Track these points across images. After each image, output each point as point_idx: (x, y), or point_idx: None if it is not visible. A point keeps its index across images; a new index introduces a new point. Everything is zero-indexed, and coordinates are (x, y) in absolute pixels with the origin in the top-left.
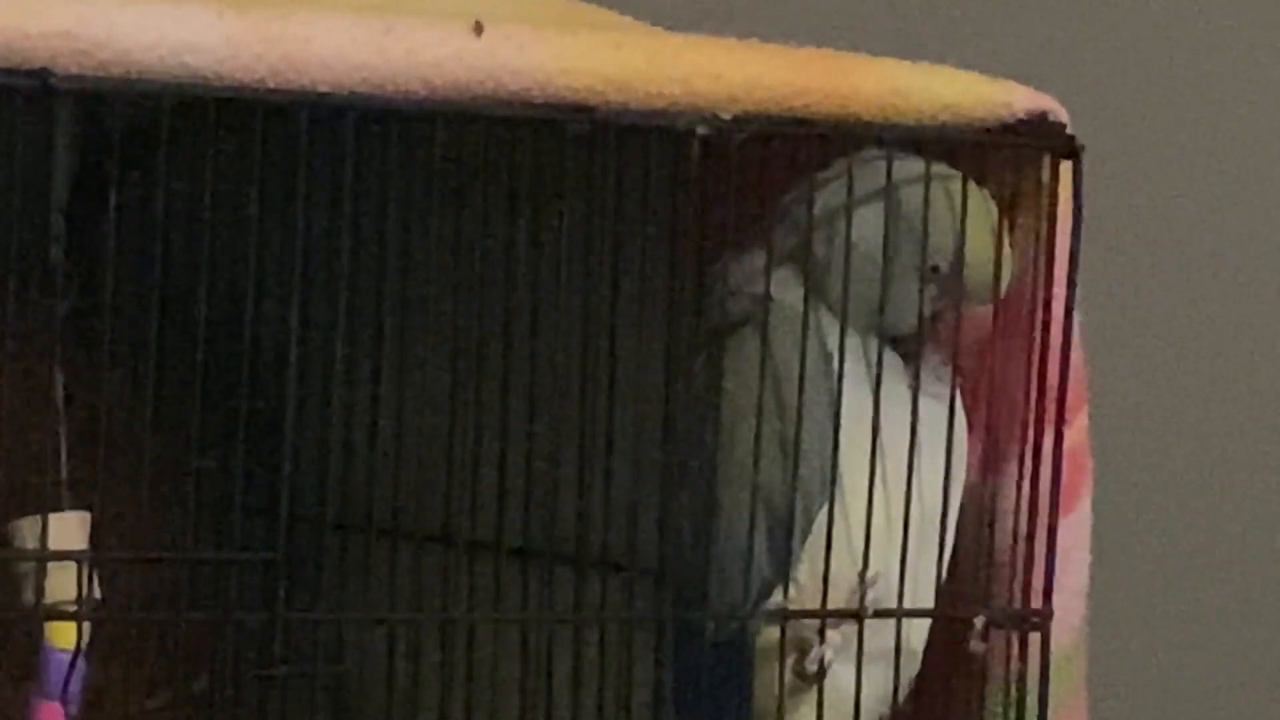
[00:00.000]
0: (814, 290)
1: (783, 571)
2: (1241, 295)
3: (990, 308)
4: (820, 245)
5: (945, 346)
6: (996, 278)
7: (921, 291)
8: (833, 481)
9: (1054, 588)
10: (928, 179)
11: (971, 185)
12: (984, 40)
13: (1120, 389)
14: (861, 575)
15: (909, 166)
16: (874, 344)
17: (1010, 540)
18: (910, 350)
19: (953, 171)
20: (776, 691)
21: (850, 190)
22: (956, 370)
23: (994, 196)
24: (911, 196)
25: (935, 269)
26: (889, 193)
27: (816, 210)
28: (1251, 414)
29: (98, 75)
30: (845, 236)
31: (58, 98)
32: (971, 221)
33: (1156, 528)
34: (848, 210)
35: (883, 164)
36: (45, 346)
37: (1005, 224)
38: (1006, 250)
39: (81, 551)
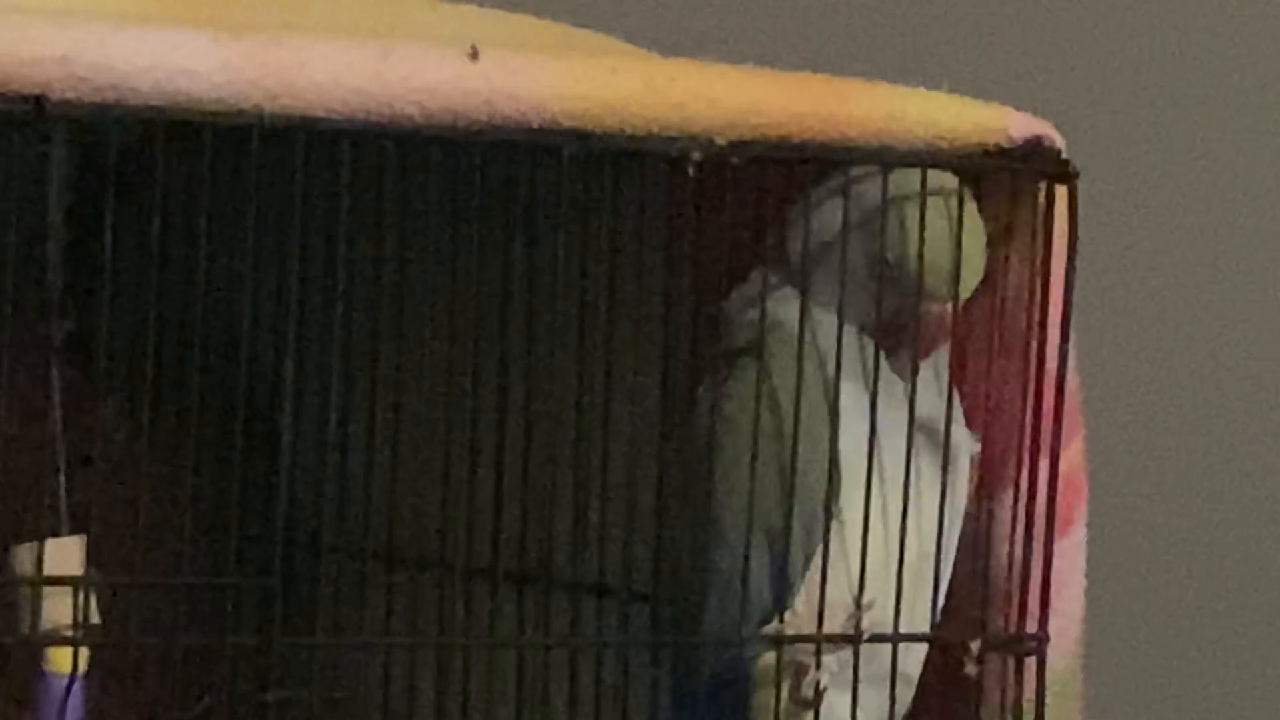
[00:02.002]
0: (810, 300)
1: (780, 597)
2: (1238, 319)
3: (948, 307)
4: (808, 259)
5: (917, 346)
6: (955, 274)
7: (879, 289)
8: (830, 506)
9: (1050, 612)
10: (924, 188)
11: (931, 177)
12: (979, 65)
13: (1116, 413)
14: (857, 600)
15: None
16: (871, 357)
17: (1006, 564)
18: (901, 360)
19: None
20: (773, 717)
21: (846, 197)
22: (954, 392)
23: (989, 221)
24: (870, 193)
25: (886, 263)
26: (884, 209)
27: (814, 224)
28: (1248, 436)
29: (93, 100)
30: (841, 250)
31: (53, 123)
32: (928, 214)
33: (1152, 551)
34: (844, 222)
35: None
36: (42, 371)
37: (983, 227)
38: (977, 247)
39: (78, 576)
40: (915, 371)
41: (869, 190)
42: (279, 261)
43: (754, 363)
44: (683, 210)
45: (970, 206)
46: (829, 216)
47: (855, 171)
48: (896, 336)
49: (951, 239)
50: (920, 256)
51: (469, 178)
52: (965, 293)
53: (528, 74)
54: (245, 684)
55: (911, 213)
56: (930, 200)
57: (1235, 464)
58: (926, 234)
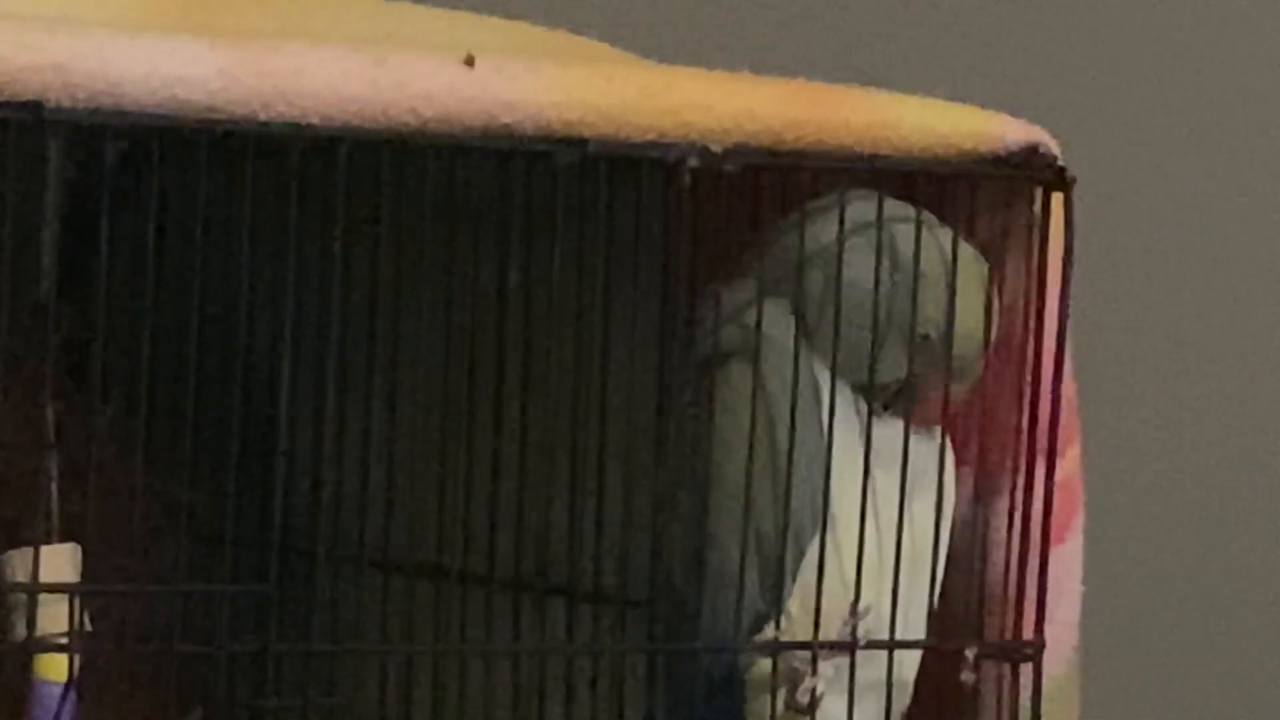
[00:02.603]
0: (802, 328)
1: (774, 604)
2: (1234, 325)
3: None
4: (810, 282)
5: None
6: (984, 353)
7: (911, 358)
8: (824, 513)
9: (1046, 619)
10: (918, 225)
11: (964, 246)
12: (975, 73)
13: (1112, 421)
14: (853, 607)
15: (900, 210)
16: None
17: (1002, 571)
18: (895, 403)
19: (944, 226)
20: None
21: (842, 223)
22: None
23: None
24: (905, 247)
25: (925, 337)
26: (879, 235)
27: (807, 244)
28: (1244, 443)
29: (89, 107)
30: (837, 275)
31: (49, 129)
32: (963, 293)
33: (1148, 558)
34: (839, 246)
35: (873, 202)
36: (37, 379)
37: (994, 289)
38: (994, 316)
39: (73, 584)
40: (908, 427)
41: (905, 246)
42: (275, 269)
43: (742, 369)
44: (678, 217)
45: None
46: (858, 264)
47: (889, 220)
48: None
49: (984, 316)
50: (953, 334)
51: (465, 185)
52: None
53: (523, 81)
54: (241, 691)
55: (946, 290)
56: (964, 277)
57: (1232, 471)
58: (963, 314)
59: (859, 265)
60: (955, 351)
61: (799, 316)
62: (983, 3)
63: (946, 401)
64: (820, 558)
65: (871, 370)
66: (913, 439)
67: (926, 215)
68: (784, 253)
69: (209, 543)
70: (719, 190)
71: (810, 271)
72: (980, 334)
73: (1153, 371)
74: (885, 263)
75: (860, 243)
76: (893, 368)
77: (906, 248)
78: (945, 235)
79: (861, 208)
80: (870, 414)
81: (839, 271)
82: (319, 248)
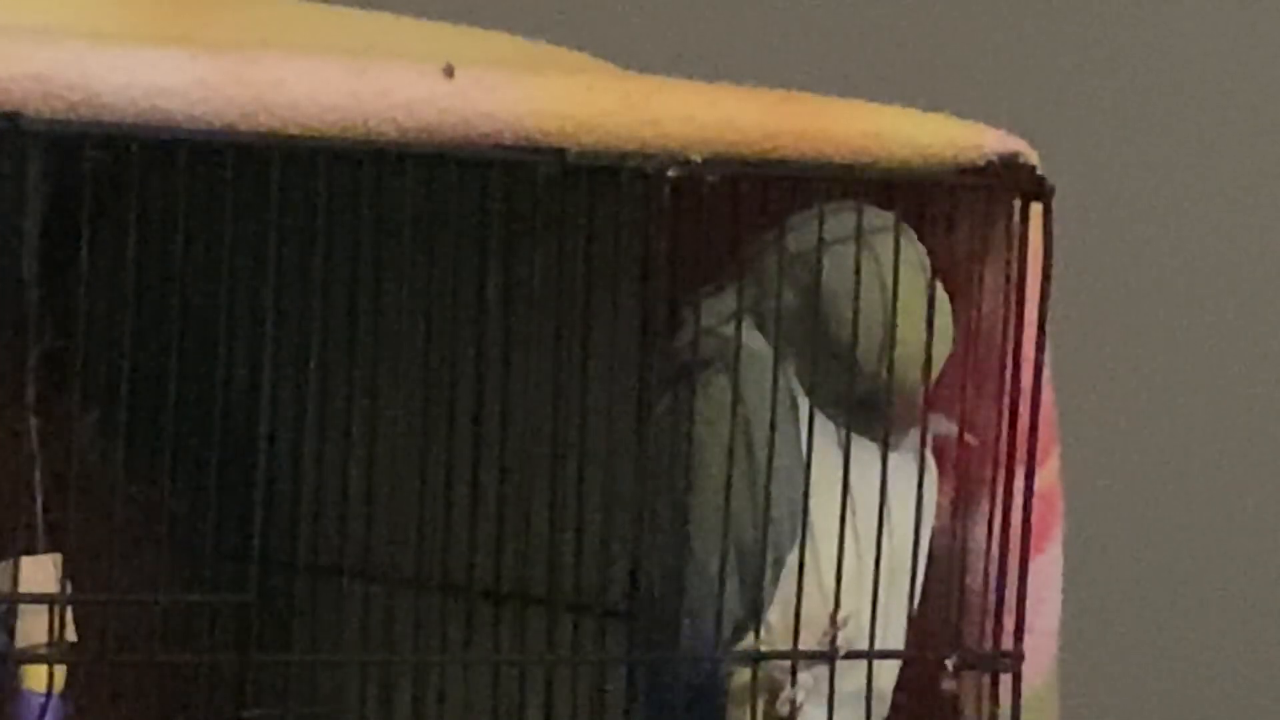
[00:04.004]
0: (776, 338)
1: (754, 613)
2: (1215, 333)
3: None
4: (786, 292)
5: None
6: (926, 373)
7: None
8: (803, 523)
9: (1025, 629)
10: (897, 236)
11: (906, 264)
12: (954, 83)
13: (1092, 430)
14: (833, 616)
15: (842, 223)
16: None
17: (981, 581)
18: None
19: (885, 236)
20: None
21: (821, 237)
22: (926, 412)
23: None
24: (835, 273)
25: (845, 357)
26: (858, 247)
27: (785, 253)
28: (1226, 451)
29: (69, 118)
30: (816, 284)
31: (29, 140)
32: (903, 320)
33: (1128, 568)
34: (818, 257)
35: (850, 214)
36: (18, 389)
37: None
38: (946, 321)
39: (55, 594)
40: (925, 416)
41: (830, 272)
42: (255, 279)
43: (719, 379)
44: (658, 227)
45: (937, 288)
46: (769, 265)
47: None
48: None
49: (917, 326)
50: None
51: (445, 195)
52: (939, 362)
53: (503, 91)
54: (222, 702)
55: (885, 320)
56: (875, 279)
57: (1213, 479)
58: (892, 321)
59: (831, 276)
60: (896, 370)
61: (777, 325)
62: (962, 13)
63: (925, 410)
64: (800, 568)
65: (851, 382)
66: (892, 449)
67: (880, 220)
68: (763, 264)
69: (190, 553)
70: (699, 200)
71: (787, 281)
72: (918, 353)
73: (1132, 381)
74: (856, 259)
75: (837, 252)
76: (831, 385)
77: (835, 270)
78: (886, 250)
79: (841, 219)
80: (849, 424)
81: (818, 279)
82: (299, 258)
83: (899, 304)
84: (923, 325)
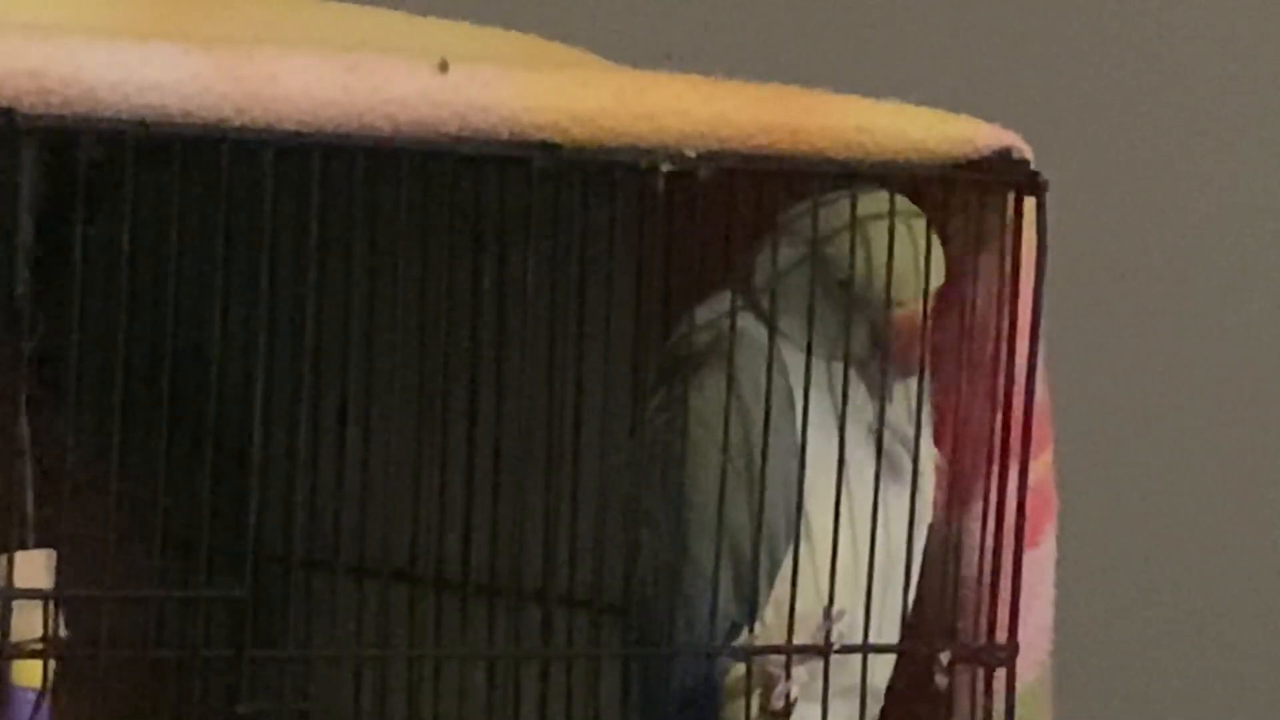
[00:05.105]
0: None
1: (748, 609)
2: (1208, 328)
3: (917, 314)
4: (783, 250)
5: (891, 360)
6: (911, 279)
7: (848, 312)
8: (798, 518)
9: (1019, 623)
10: (892, 213)
11: (878, 200)
12: (947, 78)
13: (1085, 424)
14: (827, 611)
15: (838, 195)
16: (839, 377)
17: (975, 576)
18: (871, 379)
19: (880, 193)
20: None
21: (815, 232)
22: (923, 401)
23: (957, 234)
24: (828, 220)
25: (843, 283)
26: (815, 211)
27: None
28: (1219, 446)
29: (63, 113)
30: (811, 253)
31: (23, 136)
32: (879, 229)
33: (1121, 562)
34: (813, 245)
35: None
36: (10, 385)
37: (933, 231)
38: (929, 250)
39: (47, 590)
40: (885, 383)
41: (824, 218)
42: (248, 274)
43: (717, 377)
44: (652, 221)
45: (919, 219)
46: (788, 249)
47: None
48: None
49: (906, 247)
50: (875, 266)
51: (439, 190)
52: (915, 296)
53: (497, 86)
54: (216, 697)
55: (862, 232)
56: (879, 219)
57: (1208, 474)
58: (878, 247)
59: (827, 223)
60: (877, 286)
61: (773, 301)
62: (955, 8)
63: (920, 403)
64: (795, 563)
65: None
66: (888, 442)
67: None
68: (754, 273)
69: (184, 548)
70: (693, 195)
71: (784, 240)
72: (900, 265)
73: (1126, 376)
74: (851, 245)
75: (832, 207)
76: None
77: (827, 217)
78: (881, 201)
79: (837, 205)
80: (844, 418)
81: (813, 247)
82: (293, 253)
83: (892, 232)
84: (917, 249)
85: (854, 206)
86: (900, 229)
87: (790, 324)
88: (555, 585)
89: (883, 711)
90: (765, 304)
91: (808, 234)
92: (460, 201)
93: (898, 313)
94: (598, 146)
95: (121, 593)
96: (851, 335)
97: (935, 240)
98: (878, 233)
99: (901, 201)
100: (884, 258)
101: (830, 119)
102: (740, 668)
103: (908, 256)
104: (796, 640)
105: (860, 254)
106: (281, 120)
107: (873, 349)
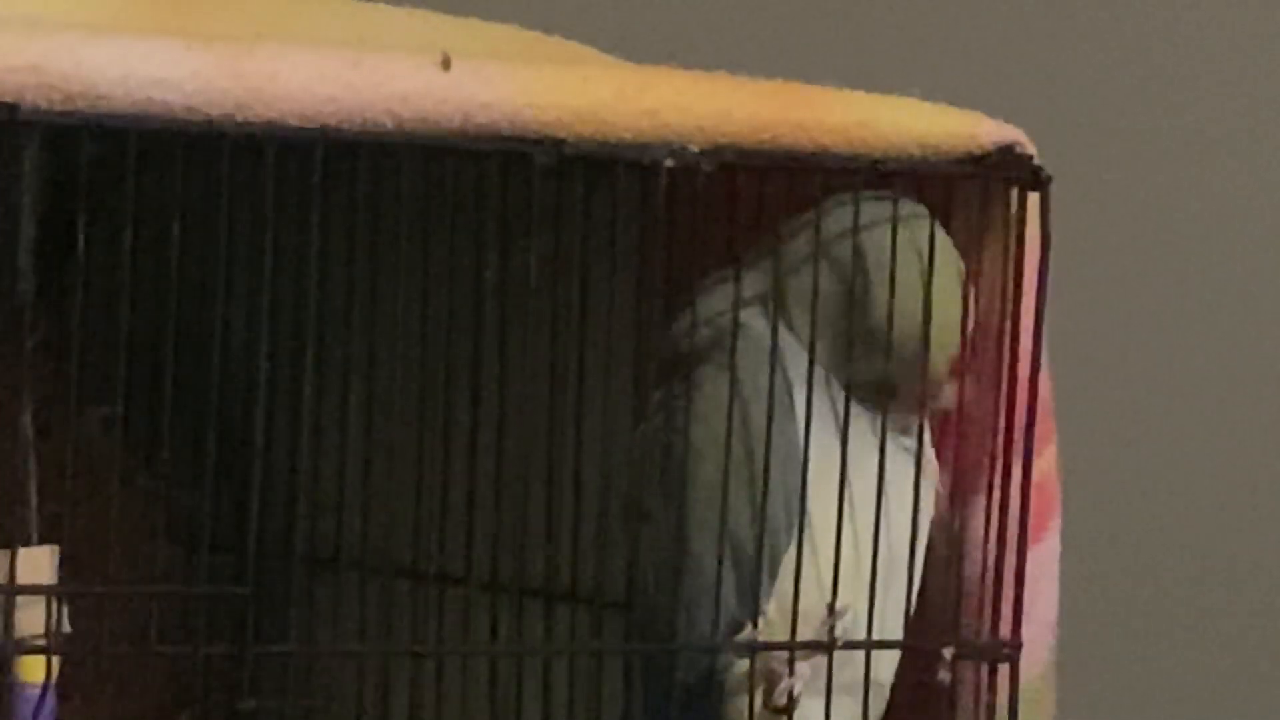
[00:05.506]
0: (782, 318)
1: (751, 605)
2: (1212, 324)
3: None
4: (791, 277)
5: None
6: (960, 357)
7: (885, 356)
8: (801, 514)
9: (1023, 619)
10: (895, 222)
11: (941, 250)
12: (951, 72)
13: (1089, 420)
14: (830, 607)
15: (879, 210)
16: (841, 377)
17: (979, 572)
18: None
19: (922, 221)
20: None
21: (818, 230)
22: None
23: (961, 228)
24: (876, 247)
25: (878, 334)
26: (855, 234)
27: (792, 251)
28: (1224, 441)
29: (65, 109)
30: (814, 277)
31: (25, 132)
32: (938, 295)
33: (1126, 558)
34: (815, 255)
35: (883, 203)
36: (13, 381)
37: (969, 286)
38: (956, 299)
39: (51, 586)
40: (884, 417)
41: (875, 245)
42: (251, 270)
43: (719, 373)
44: (655, 218)
45: (959, 265)
46: (802, 247)
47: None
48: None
49: (949, 303)
50: (912, 323)
51: (441, 186)
52: (953, 349)
53: (499, 82)
54: (219, 693)
55: (888, 281)
56: (914, 261)
57: (1212, 469)
58: (916, 304)
59: (869, 257)
60: (925, 356)
61: (778, 308)
62: (957, 3)
63: (924, 400)
64: (798, 558)
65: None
66: (891, 438)
67: (914, 209)
68: (793, 246)
69: (186, 545)
70: (696, 191)
71: (792, 277)
72: (953, 339)
73: (1130, 371)
74: (854, 251)
75: (875, 234)
76: (867, 368)
77: (875, 243)
78: (924, 234)
79: (878, 206)
80: (848, 414)
81: (814, 268)
82: (295, 248)
83: (935, 286)
84: (957, 311)
85: (892, 274)
86: (947, 285)
87: (800, 319)
88: (558, 581)
89: (886, 707)
90: (783, 298)
91: (845, 267)
92: (462, 198)
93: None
94: (600, 142)
95: (125, 589)
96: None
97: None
98: (913, 288)
99: (947, 241)
100: (920, 319)
101: (833, 114)
102: (743, 664)
103: (950, 314)
104: (800, 636)
105: (900, 311)
106: (283, 117)
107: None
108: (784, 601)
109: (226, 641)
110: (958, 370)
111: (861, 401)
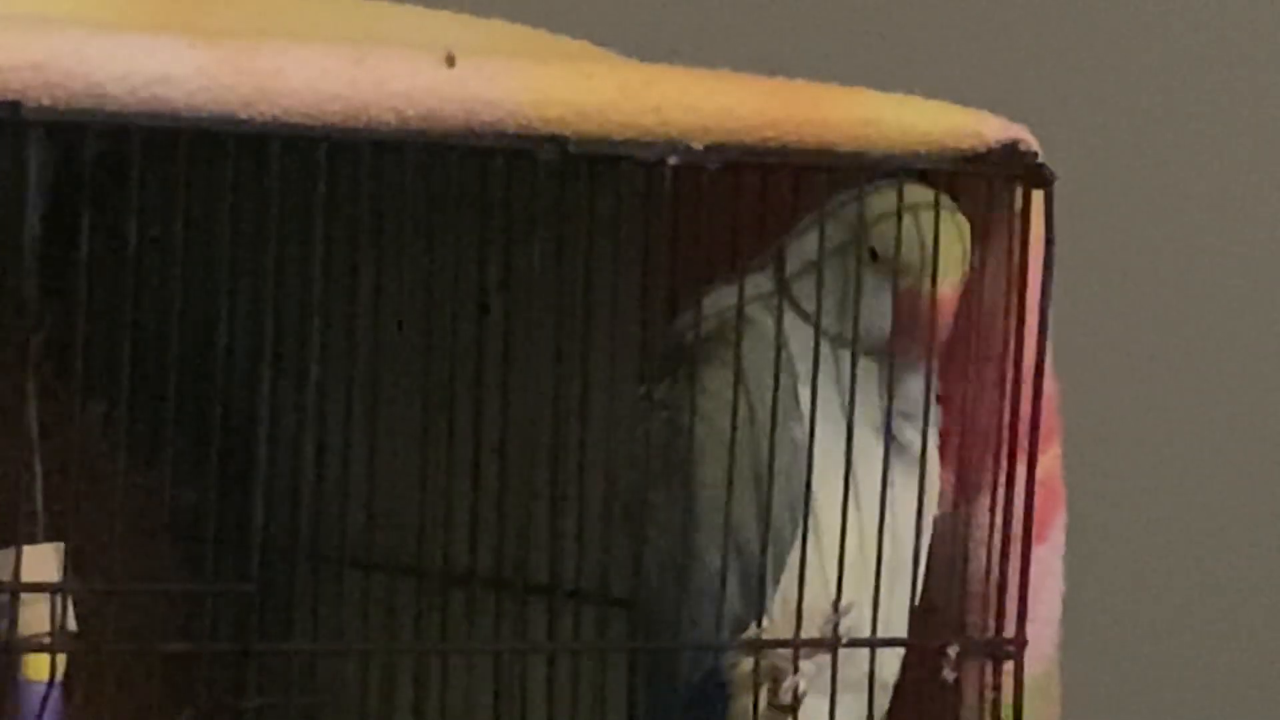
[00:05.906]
0: (783, 291)
1: (755, 603)
2: (1216, 323)
3: (940, 298)
4: (793, 248)
5: (915, 346)
6: (935, 260)
7: (859, 279)
8: (806, 512)
9: (1027, 616)
10: (900, 201)
11: (942, 201)
12: (955, 70)
13: (1093, 417)
14: (835, 605)
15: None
16: (846, 367)
17: (984, 569)
18: (883, 362)
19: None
20: None
21: (822, 231)
22: (930, 397)
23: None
24: (879, 198)
25: (872, 252)
26: (860, 198)
27: (797, 232)
28: (1227, 440)
29: (69, 107)
30: (818, 259)
31: (29, 129)
32: (911, 208)
33: (1130, 557)
34: (820, 234)
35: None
36: (19, 378)
37: (973, 234)
38: (960, 236)
39: (56, 583)
40: (893, 360)
41: (869, 204)
42: (255, 267)
43: (724, 372)
44: (659, 215)
45: (950, 206)
46: (809, 240)
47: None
48: (897, 339)
49: (950, 228)
50: (923, 240)
51: (445, 183)
52: (955, 276)
53: (504, 80)
54: (223, 691)
55: (895, 210)
56: (924, 207)
57: (1215, 468)
58: (925, 227)
59: (839, 221)
60: (906, 260)
61: (781, 305)
62: (962, 1)
63: (929, 397)
64: (802, 556)
65: (856, 318)
66: (896, 433)
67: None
68: (771, 256)
69: (191, 542)
70: (699, 188)
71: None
72: (954, 265)
73: (1134, 369)
74: (857, 240)
75: (845, 206)
76: (873, 311)
77: (885, 200)
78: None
79: (883, 193)
80: (853, 407)
81: (821, 236)
82: (299, 247)
83: (935, 216)
84: (957, 242)
85: (900, 194)
86: (944, 215)
87: (808, 301)
88: (562, 579)
89: (891, 704)
90: (792, 288)
91: (851, 217)
92: (466, 195)
93: (934, 289)
94: (604, 140)
95: (130, 586)
96: (873, 311)
97: (965, 225)
98: (924, 216)
99: (945, 198)
100: (930, 234)
101: (837, 112)
102: (748, 662)
103: (952, 236)
104: (804, 634)
105: (908, 224)
106: (287, 114)
107: (892, 328)
108: (788, 599)
109: (230, 639)
110: (956, 303)
111: (867, 369)
